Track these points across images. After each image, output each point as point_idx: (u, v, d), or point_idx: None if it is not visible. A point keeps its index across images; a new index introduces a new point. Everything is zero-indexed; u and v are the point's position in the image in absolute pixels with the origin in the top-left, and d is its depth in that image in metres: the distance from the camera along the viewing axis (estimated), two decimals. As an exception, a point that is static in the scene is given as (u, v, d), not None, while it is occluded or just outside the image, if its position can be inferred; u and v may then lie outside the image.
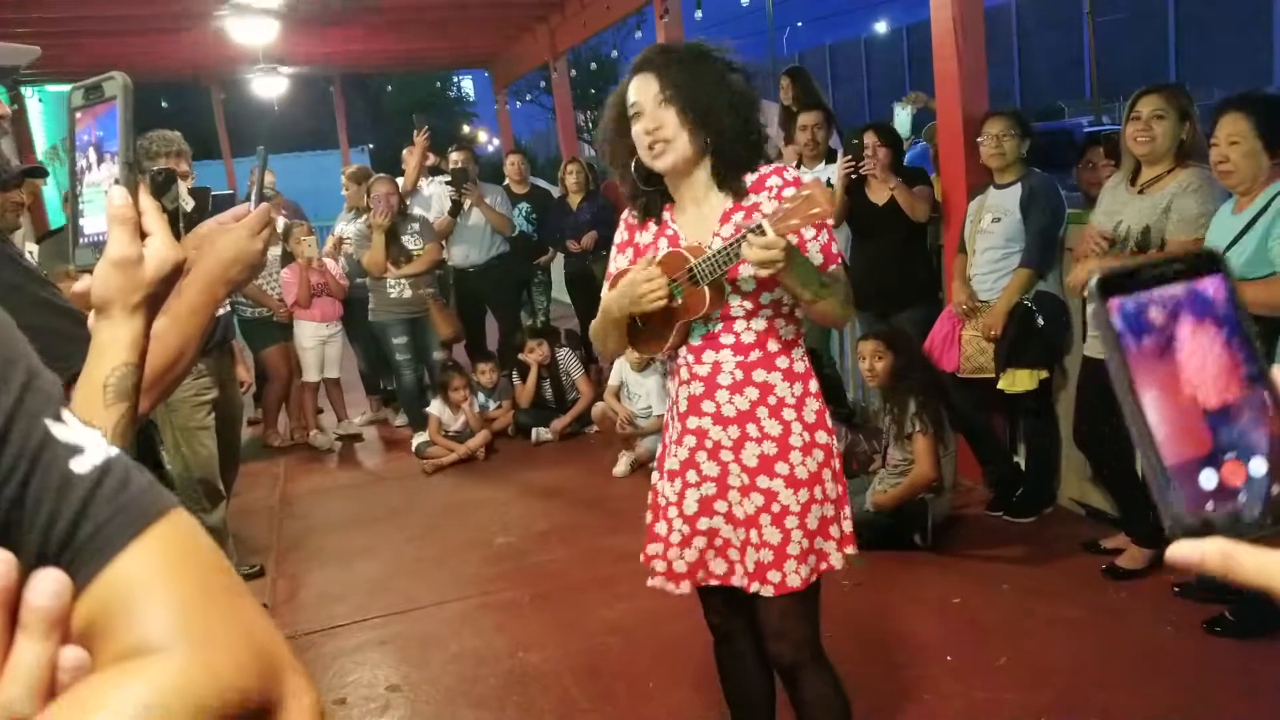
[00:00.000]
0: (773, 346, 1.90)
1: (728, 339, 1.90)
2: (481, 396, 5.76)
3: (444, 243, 6.07)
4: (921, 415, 3.51)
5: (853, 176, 4.19)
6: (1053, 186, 3.67)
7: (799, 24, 51.27)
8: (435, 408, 5.50)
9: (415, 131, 6.36)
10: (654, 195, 1.99)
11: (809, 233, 1.85)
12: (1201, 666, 2.71)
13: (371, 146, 22.45)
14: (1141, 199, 3.10)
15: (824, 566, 1.94)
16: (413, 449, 5.58)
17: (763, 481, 1.90)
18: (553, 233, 6.44)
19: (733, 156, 1.88)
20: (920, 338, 3.94)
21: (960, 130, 3.95)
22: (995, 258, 3.69)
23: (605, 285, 2.03)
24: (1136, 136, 3.10)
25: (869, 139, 4.19)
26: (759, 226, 1.67)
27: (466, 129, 30.07)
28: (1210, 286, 0.50)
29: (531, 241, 6.53)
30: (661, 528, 2.02)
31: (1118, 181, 3.24)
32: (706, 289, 1.84)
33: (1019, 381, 3.59)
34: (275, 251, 5.85)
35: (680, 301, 1.87)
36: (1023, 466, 4.01)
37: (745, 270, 1.82)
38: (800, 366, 1.93)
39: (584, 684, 2.93)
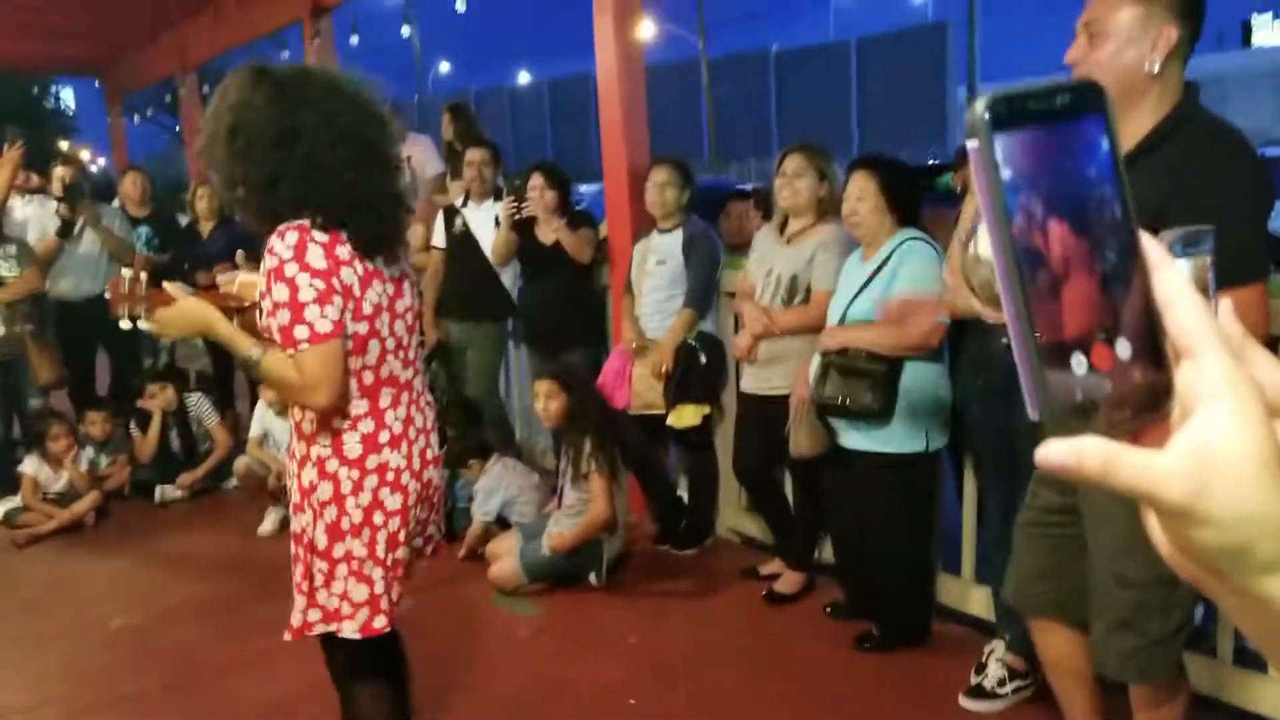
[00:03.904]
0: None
1: None
2: (91, 451, 4.92)
3: (45, 270, 5.16)
4: (597, 455, 3.51)
5: (515, 218, 4.17)
6: (711, 233, 3.90)
7: (444, 66, 51.70)
8: (31, 465, 4.61)
9: (6, 145, 5.39)
10: None
11: (267, 304, 1.78)
12: (854, 679, 2.93)
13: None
14: (789, 248, 3.33)
15: None
16: (-1, 517, 4.63)
17: None
18: (179, 263, 5.74)
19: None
20: (588, 376, 3.96)
21: (625, 177, 4.07)
22: (660, 299, 3.82)
23: None
24: (782, 190, 3.34)
25: (535, 180, 4.19)
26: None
27: (65, 144, 26.42)
28: (1093, 128, 0.42)
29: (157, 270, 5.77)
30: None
31: (769, 231, 3.47)
32: None
33: (685, 417, 3.72)
34: None
35: None
36: (685, 499, 4.16)
37: None
38: (308, 426, 1.89)
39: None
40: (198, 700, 2.97)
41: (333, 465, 1.83)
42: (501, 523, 3.95)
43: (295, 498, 1.89)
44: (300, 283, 1.71)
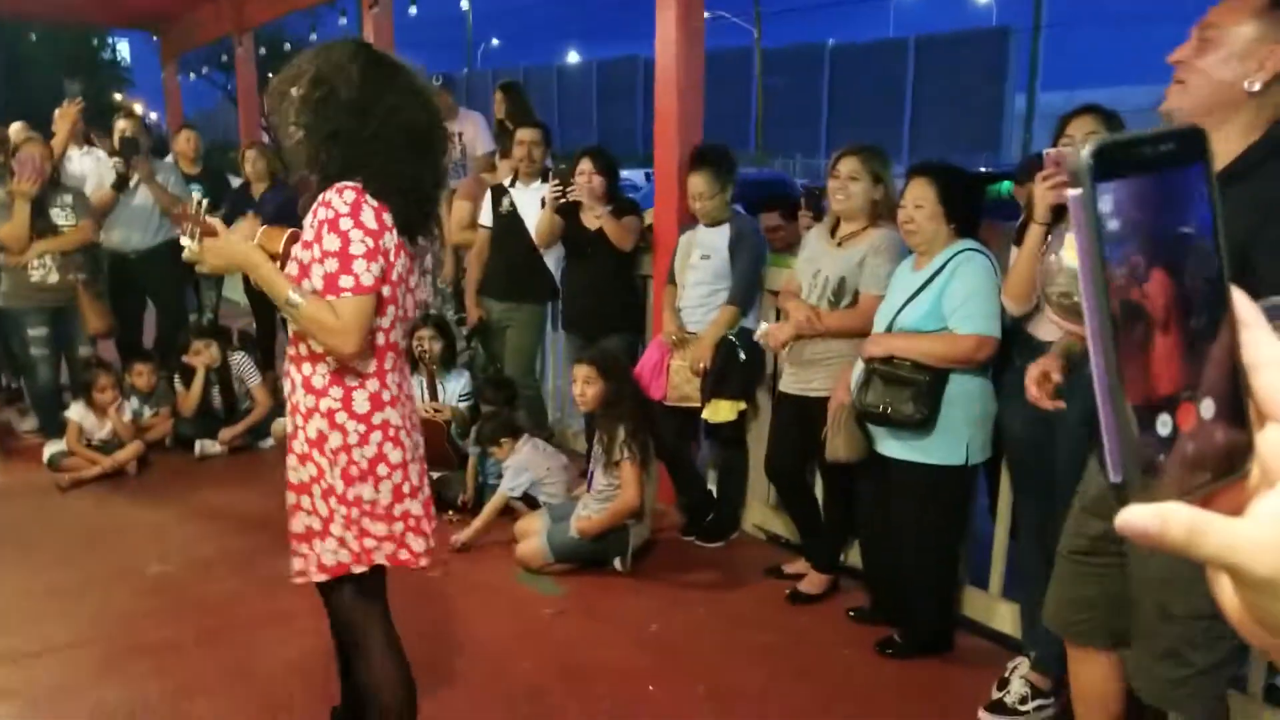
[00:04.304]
0: (301, 350, 1.99)
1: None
2: (135, 402, 5.03)
3: (100, 221, 5.27)
4: (630, 443, 3.54)
5: (560, 201, 4.19)
6: (757, 230, 3.89)
7: (494, 42, 51.83)
8: (76, 412, 4.72)
9: (67, 100, 5.52)
10: None
11: (307, 254, 1.90)
12: (875, 684, 2.93)
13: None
14: (839, 251, 3.30)
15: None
16: (44, 460, 4.74)
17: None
18: (230, 223, 5.83)
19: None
20: (626, 364, 3.98)
21: (675, 166, 4.06)
22: (704, 293, 3.83)
23: None
24: (835, 194, 3.28)
25: (584, 165, 4.20)
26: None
27: (119, 96, 26.80)
28: (1195, 177, 0.40)
29: (205, 228, 5.88)
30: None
31: (820, 232, 3.46)
32: None
33: (721, 412, 3.73)
34: None
35: None
36: (714, 493, 4.18)
37: None
38: (319, 381, 1.96)
39: (262, 736, 2.60)
40: (226, 652, 3.05)
41: (341, 418, 1.96)
42: (529, 502, 4.00)
43: (301, 449, 1.98)
44: (353, 236, 1.85)
